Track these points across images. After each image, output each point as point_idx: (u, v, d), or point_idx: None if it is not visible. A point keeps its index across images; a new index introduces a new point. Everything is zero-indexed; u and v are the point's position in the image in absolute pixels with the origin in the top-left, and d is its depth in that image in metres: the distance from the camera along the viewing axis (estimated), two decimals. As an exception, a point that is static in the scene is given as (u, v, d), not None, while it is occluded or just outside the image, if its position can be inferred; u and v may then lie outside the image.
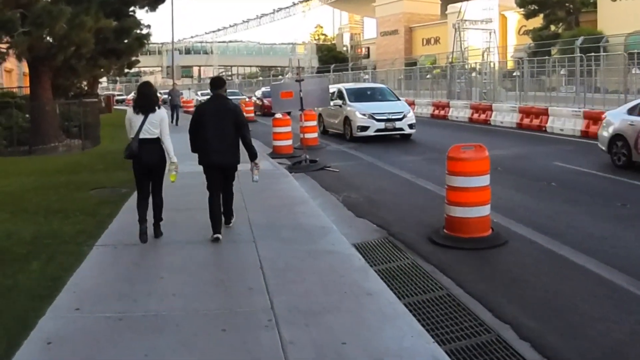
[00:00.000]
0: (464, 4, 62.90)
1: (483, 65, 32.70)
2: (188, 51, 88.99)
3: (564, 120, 19.76)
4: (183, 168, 8.03)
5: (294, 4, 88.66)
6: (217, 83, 7.16)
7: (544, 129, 20.41)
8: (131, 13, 20.49)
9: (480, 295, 5.57)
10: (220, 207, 7.01)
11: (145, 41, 19.63)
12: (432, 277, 6.15)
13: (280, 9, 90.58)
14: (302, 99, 13.73)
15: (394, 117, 17.92)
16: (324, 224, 7.75)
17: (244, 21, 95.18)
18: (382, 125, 17.80)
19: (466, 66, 33.64)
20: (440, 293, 5.72)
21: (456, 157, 7.28)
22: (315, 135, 17.54)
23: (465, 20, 34.35)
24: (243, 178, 8.24)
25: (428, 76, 37.60)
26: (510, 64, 34.62)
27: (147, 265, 6.12)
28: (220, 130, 6.76)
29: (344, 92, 19.57)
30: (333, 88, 19.61)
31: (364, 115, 18.03)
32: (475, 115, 25.36)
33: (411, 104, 25.50)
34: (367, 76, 47.04)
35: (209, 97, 7.48)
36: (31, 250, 6.62)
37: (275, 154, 15.86)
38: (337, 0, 69.99)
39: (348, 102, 18.95)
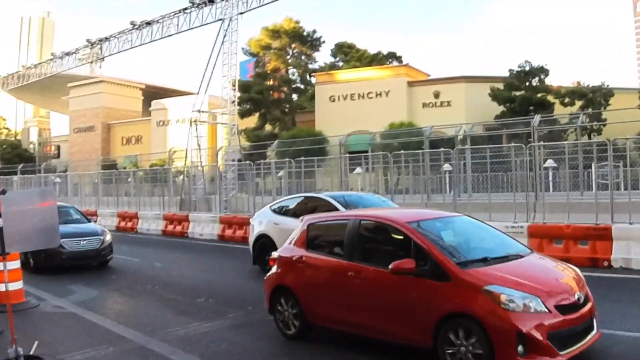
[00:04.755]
0: (168, 101, 58.50)
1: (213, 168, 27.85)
2: None
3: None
4: None
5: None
6: None
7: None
8: None
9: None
10: None
11: None
12: None
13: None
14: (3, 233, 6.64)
15: None
16: None
17: None
18: None
19: (204, 169, 28.10)
20: None
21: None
22: (20, 285, 9.92)
23: (203, 112, 28.97)
24: None
25: (129, 180, 30.13)
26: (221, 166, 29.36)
27: None
28: None
29: None
30: None
31: None
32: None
33: (93, 214, 20.98)
34: (58, 179, 37.92)
35: None
36: None
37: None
38: (20, 89, 56.78)
39: None
